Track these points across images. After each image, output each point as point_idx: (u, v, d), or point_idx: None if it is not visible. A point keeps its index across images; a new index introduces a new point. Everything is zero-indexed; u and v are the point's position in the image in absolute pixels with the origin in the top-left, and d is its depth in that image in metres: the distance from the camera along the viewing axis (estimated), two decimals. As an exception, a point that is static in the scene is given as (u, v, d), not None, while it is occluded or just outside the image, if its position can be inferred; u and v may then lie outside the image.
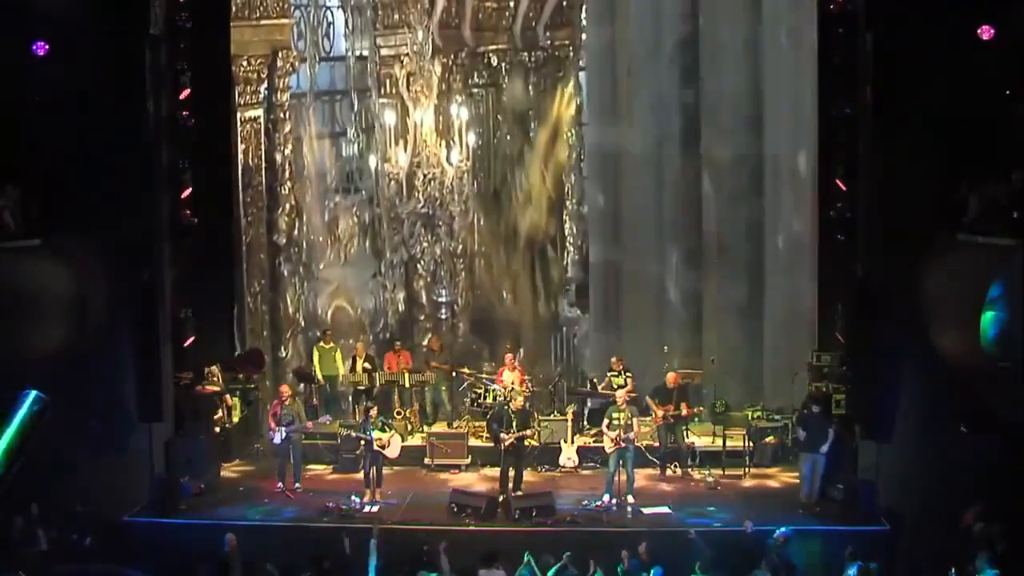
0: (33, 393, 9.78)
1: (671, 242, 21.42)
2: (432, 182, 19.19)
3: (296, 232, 22.38)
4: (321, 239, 22.42)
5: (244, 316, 21.47)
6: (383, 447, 17.67)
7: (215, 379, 18.90)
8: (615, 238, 21.90)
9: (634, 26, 21.35)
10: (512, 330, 22.43)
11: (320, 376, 20.57)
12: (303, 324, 22.41)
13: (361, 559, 14.48)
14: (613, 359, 20.08)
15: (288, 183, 22.34)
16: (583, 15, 22.38)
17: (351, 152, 22.58)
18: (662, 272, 21.40)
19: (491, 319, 22.73)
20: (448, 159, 19.18)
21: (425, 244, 22.25)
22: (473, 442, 19.41)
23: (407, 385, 20.34)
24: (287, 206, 22.32)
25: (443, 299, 22.75)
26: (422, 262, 22.51)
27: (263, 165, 21.92)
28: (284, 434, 17.91)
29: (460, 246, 22.47)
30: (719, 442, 19.30)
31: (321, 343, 20.79)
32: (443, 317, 22.79)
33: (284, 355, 22.29)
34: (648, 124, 21.42)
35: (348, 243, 22.66)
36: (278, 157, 22.23)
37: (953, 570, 13.83)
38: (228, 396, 19.43)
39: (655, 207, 21.54)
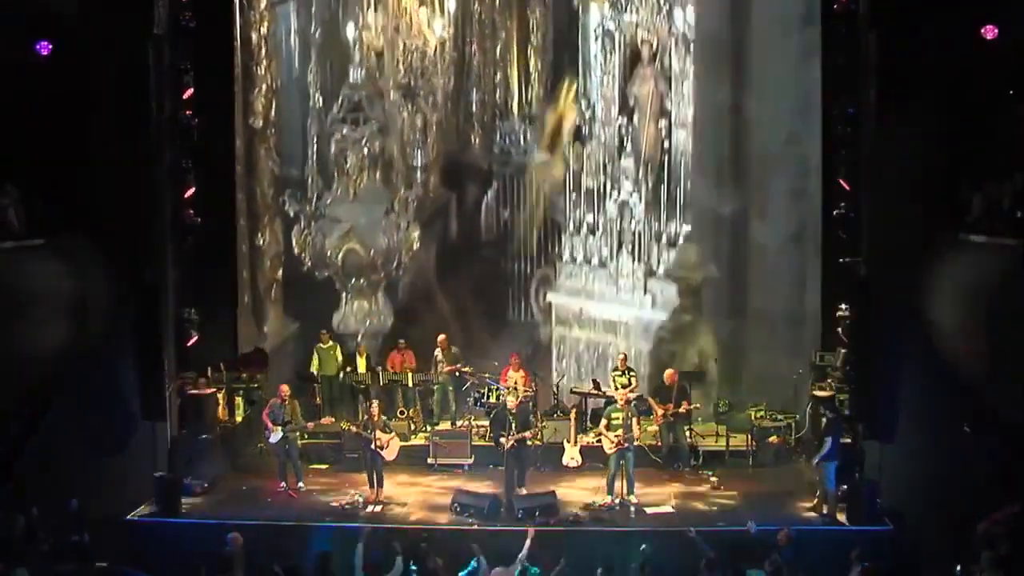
0: None
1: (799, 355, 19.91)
2: (414, 52, 18.85)
3: (273, 114, 21.71)
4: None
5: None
6: (382, 448, 17.63)
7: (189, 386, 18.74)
8: (732, 310, 20.85)
9: (763, 111, 20.20)
10: (480, 176, 22.07)
11: (321, 376, 20.52)
12: (311, 264, 21.95)
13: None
14: (619, 357, 20.07)
15: (264, 61, 21.61)
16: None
17: (357, 77, 21.73)
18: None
19: (459, 167, 22.25)
20: (430, 26, 18.83)
21: (405, 114, 21.73)
22: (477, 441, 19.38)
23: (411, 385, 20.32)
24: (263, 87, 21.65)
25: (418, 163, 22.18)
26: (401, 131, 21.94)
27: (238, 45, 20.70)
28: (281, 434, 17.89)
29: (438, 114, 21.94)
30: (722, 442, 19.31)
31: (320, 344, 20.72)
32: (418, 180, 22.21)
33: (261, 243, 21.86)
34: (783, 219, 20.31)
35: (357, 178, 21.95)
36: (254, 36, 21.40)
37: (958, 568, 13.83)
38: (222, 396, 19.35)
39: (788, 309, 20.29)
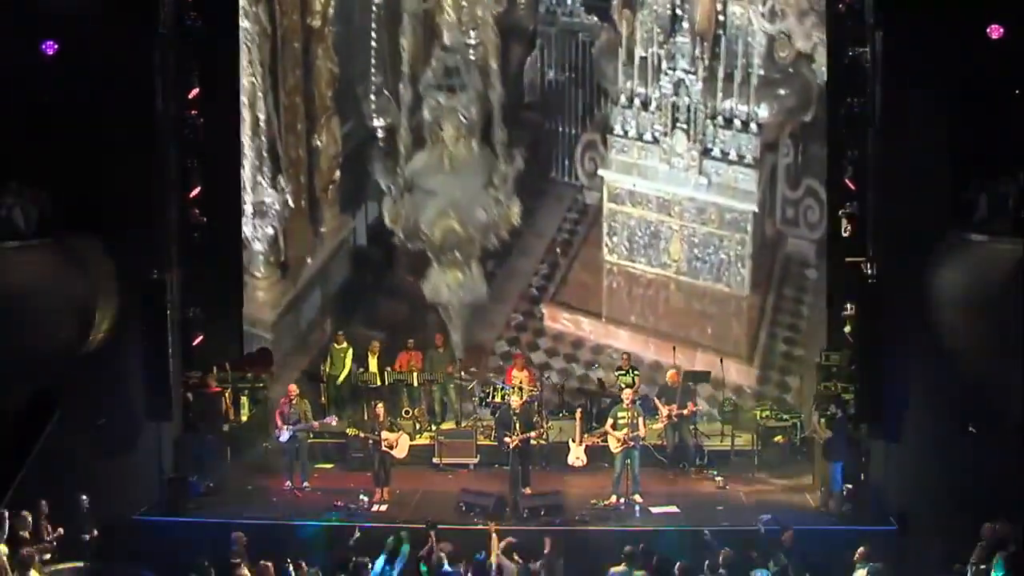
0: None
1: None
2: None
3: (331, 10, 21.12)
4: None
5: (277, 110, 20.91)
6: (391, 447, 17.67)
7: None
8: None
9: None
10: (524, 37, 21.37)
11: (328, 376, 20.50)
12: (402, 237, 21.45)
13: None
14: (622, 356, 20.05)
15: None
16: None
17: (453, 40, 21.00)
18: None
19: (504, 27, 21.35)
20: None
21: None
22: (482, 441, 19.37)
23: (415, 384, 20.31)
24: None
25: (472, 40, 21.28)
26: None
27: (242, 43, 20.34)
28: (290, 432, 17.90)
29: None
30: (727, 441, 19.30)
31: (334, 343, 20.71)
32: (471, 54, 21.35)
33: (319, 144, 21.50)
34: None
35: (454, 148, 21.31)
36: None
37: (964, 570, 13.80)
38: (228, 395, 19.39)
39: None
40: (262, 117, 20.95)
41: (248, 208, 20.97)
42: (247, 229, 20.95)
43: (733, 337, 20.84)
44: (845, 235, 17.70)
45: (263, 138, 20.99)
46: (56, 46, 17.00)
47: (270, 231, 21.20)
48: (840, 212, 17.79)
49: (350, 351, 20.56)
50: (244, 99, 20.52)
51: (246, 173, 20.76)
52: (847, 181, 17.61)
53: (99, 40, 16.90)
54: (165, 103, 17.77)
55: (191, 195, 18.47)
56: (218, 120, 18.98)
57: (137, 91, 17.39)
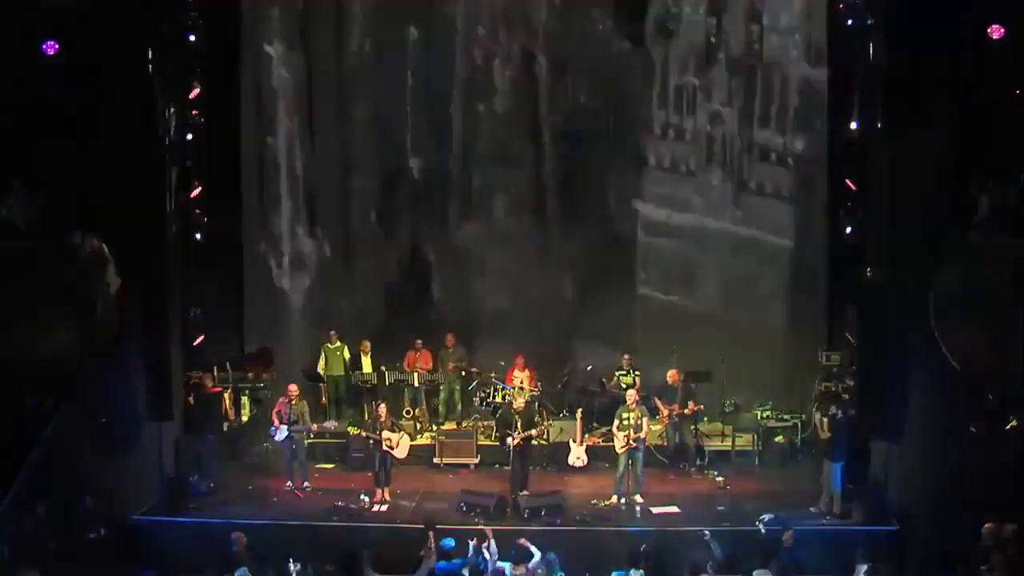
0: None
1: None
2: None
3: (367, 49, 20.77)
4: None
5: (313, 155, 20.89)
6: (392, 447, 17.67)
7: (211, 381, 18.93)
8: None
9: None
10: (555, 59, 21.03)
11: (328, 376, 20.50)
12: (451, 310, 21.13)
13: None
14: (624, 356, 20.02)
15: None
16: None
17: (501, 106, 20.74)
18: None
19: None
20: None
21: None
22: (482, 441, 19.37)
23: (416, 384, 20.30)
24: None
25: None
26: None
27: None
28: (286, 432, 17.88)
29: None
30: (728, 442, 19.29)
31: (327, 343, 20.71)
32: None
33: (354, 187, 21.30)
34: None
35: (504, 221, 21.13)
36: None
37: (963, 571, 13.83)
38: (228, 395, 19.40)
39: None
40: (299, 165, 20.96)
41: (285, 260, 21.05)
42: (284, 282, 21.05)
43: (770, 373, 20.49)
44: (845, 235, 17.73)
45: (300, 187, 20.98)
46: (56, 46, 17.01)
47: (307, 281, 21.21)
48: (840, 212, 17.79)
49: (345, 348, 20.56)
50: (282, 147, 20.67)
51: (283, 224, 20.88)
52: (847, 181, 17.61)
53: (99, 40, 16.91)
54: (165, 103, 17.76)
55: (191, 195, 18.47)
56: (218, 121, 18.99)
57: (137, 91, 17.38)
